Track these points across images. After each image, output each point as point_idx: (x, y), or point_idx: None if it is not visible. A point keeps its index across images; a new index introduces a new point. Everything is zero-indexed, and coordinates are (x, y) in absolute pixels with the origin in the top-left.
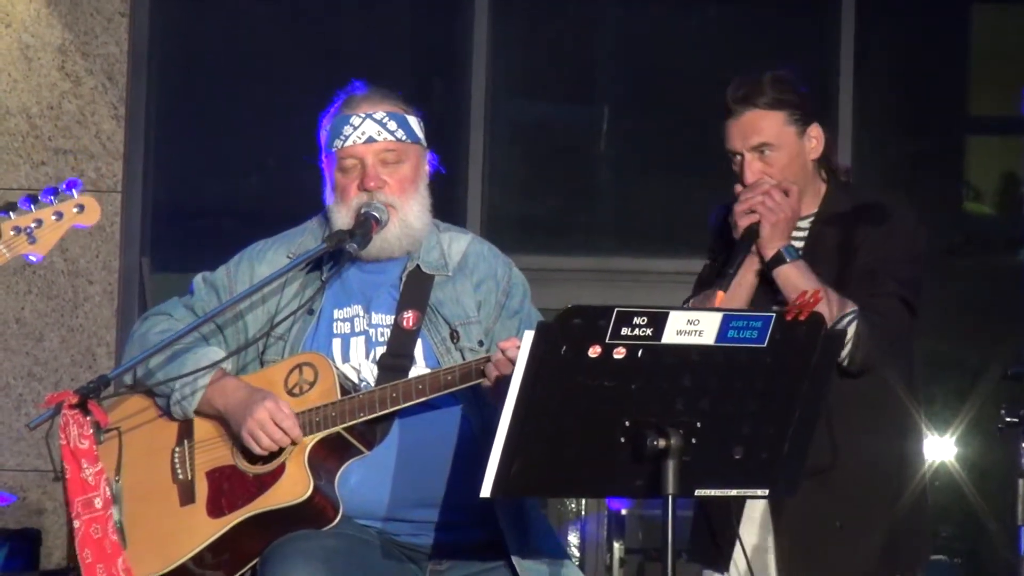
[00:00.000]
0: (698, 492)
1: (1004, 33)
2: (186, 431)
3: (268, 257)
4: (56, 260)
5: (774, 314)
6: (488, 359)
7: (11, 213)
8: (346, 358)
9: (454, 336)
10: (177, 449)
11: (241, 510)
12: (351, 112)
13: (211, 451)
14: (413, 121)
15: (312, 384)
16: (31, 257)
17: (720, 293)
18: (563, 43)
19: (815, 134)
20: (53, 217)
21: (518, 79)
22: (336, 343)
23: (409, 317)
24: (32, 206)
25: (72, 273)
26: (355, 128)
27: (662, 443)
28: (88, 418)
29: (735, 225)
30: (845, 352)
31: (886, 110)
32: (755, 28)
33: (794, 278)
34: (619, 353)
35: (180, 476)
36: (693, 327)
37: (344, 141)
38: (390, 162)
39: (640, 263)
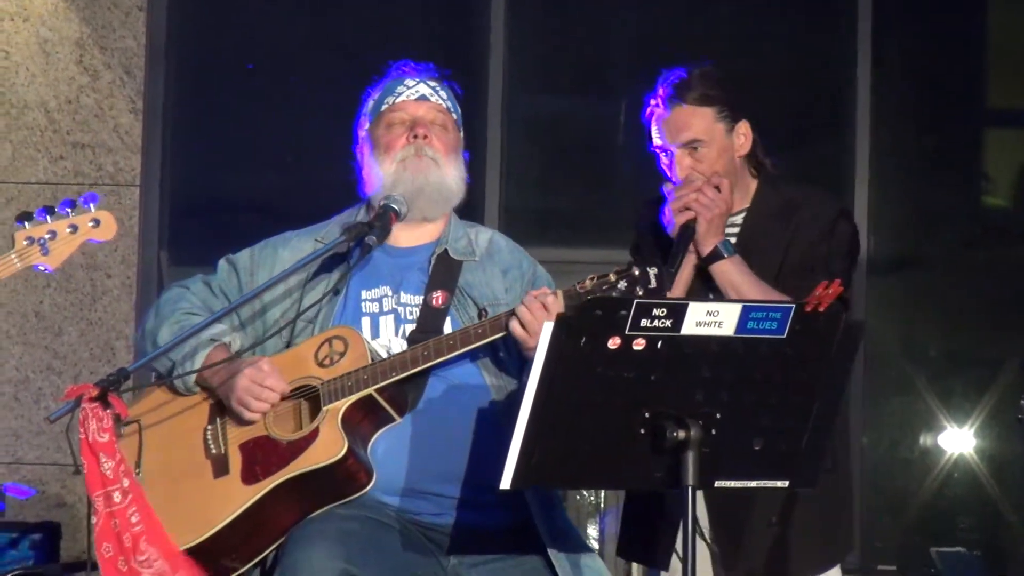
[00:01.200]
0: (718, 483)
1: (1020, 26)
2: (217, 409)
3: (293, 243)
4: (74, 254)
5: (794, 305)
6: (514, 311)
7: (26, 223)
8: (375, 335)
9: (482, 315)
10: (209, 427)
11: (276, 475)
12: (405, 76)
13: (241, 424)
14: (457, 105)
15: (343, 354)
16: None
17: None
18: (579, 37)
19: (743, 131)
20: (68, 230)
21: (534, 74)
22: (365, 321)
23: (438, 296)
24: (48, 217)
25: (91, 267)
26: (408, 88)
27: (681, 434)
28: (108, 411)
29: (669, 223)
30: None
31: (903, 104)
32: (771, 19)
33: (732, 274)
34: (639, 344)
35: (213, 451)
36: (713, 318)
37: (396, 97)
38: (438, 124)
39: None
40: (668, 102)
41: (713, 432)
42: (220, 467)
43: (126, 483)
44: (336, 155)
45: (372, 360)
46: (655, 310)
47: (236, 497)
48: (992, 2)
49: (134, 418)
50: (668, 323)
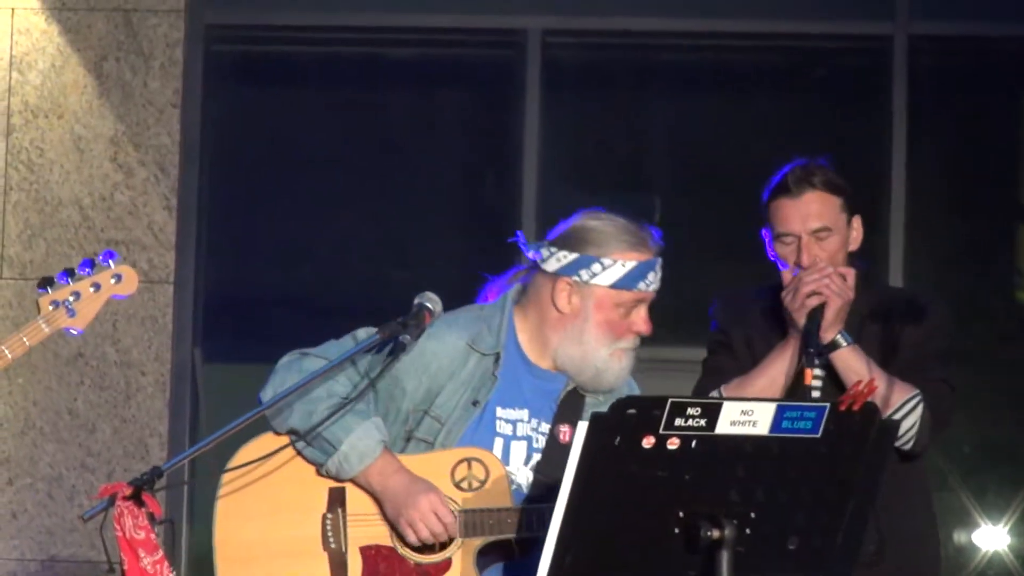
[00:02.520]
0: None
1: None
2: (338, 498)
3: (444, 337)
4: (108, 351)
5: (828, 405)
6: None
7: (49, 288)
8: (505, 459)
9: None
10: (329, 516)
11: None
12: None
13: (366, 526)
14: None
15: (483, 482)
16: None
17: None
18: (613, 133)
19: (857, 225)
20: (91, 289)
21: (568, 169)
22: (498, 443)
23: (565, 431)
24: (69, 279)
25: (125, 364)
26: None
27: (716, 533)
28: (142, 509)
29: (792, 307)
30: (912, 435)
31: (938, 196)
32: (806, 112)
33: (853, 362)
34: (672, 444)
35: (332, 545)
36: (747, 417)
37: (648, 286)
38: None
39: (694, 353)
40: (798, 186)
41: (748, 531)
42: (338, 566)
43: None
44: (369, 251)
45: (512, 499)
46: (689, 409)
47: None
48: None
49: (250, 460)
50: (702, 422)
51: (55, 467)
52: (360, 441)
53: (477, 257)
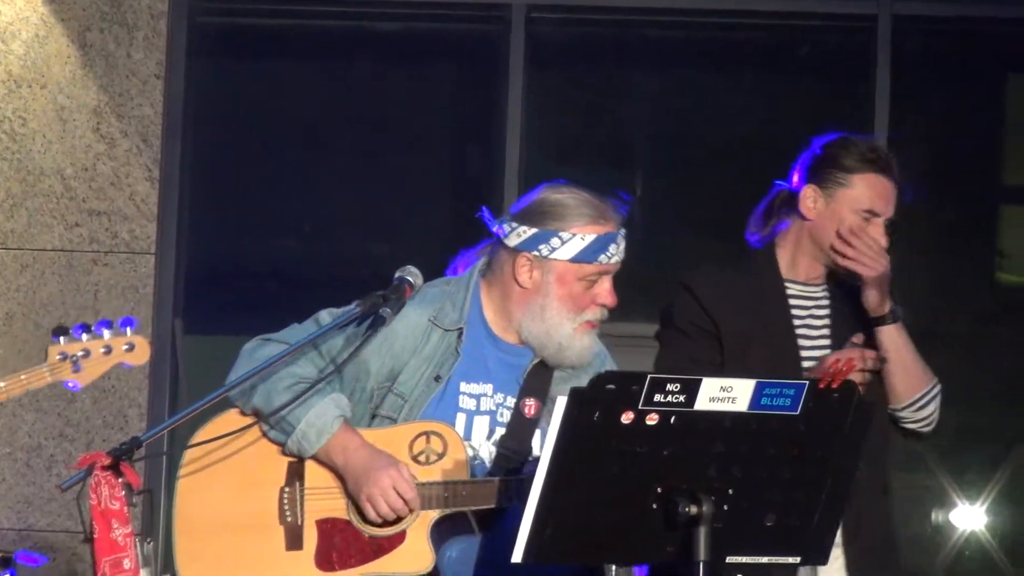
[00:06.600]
0: (730, 559)
1: None
2: (296, 472)
3: (407, 315)
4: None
5: (808, 382)
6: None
7: (62, 338)
8: (467, 436)
9: None
10: (287, 489)
11: (354, 569)
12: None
13: (323, 500)
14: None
15: (440, 456)
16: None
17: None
18: (597, 108)
19: None
20: (102, 350)
21: (552, 143)
22: (460, 418)
23: (531, 405)
24: (84, 335)
25: None
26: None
27: (694, 509)
28: (120, 480)
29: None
30: (934, 419)
31: (919, 178)
32: (790, 94)
33: (900, 338)
34: (652, 419)
35: (289, 518)
36: (726, 394)
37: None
38: None
39: None
40: (892, 173)
41: (725, 507)
42: (293, 539)
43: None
44: (352, 224)
45: (471, 471)
46: (668, 385)
47: None
48: (1011, 78)
49: (209, 438)
50: (681, 398)
51: (34, 436)
52: (318, 418)
53: (461, 231)
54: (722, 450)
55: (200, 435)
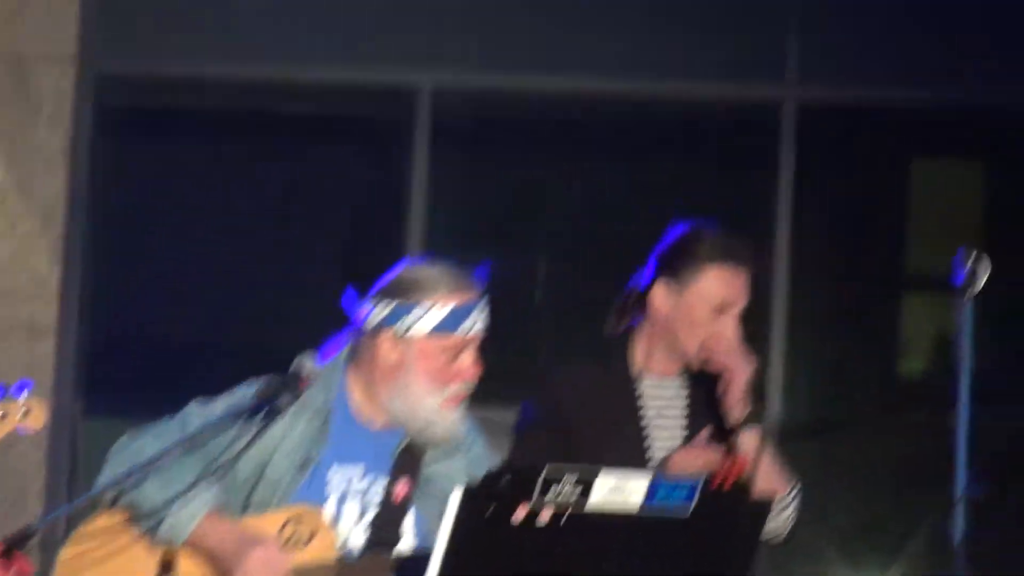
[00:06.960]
0: None
1: (943, 190)
2: (168, 564)
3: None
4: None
5: (701, 480)
6: None
7: None
8: (338, 518)
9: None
10: None
11: None
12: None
13: None
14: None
15: (307, 541)
16: None
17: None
18: (501, 191)
19: None
20: None
21: (455, 227)
22: (331, 501)
23: (403, 485)
24: None
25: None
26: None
27: None
28: (12, 569)
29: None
30: (790, 527)
31: (822, 263)
32: (694, 177)
33: (759, 443)
34: (543, 518)
35: None
36: (620, 491)
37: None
38: None
39: None
40: (745, 261)
41: None
42: None
43: None
44: (256, 304)
45: (341, 556)
46: (566, 475)
47: None
48: (916, 165)
49: (82, 549)
50: (576, 492)
51: None
52: (185, 508)
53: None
54: (615, 550)
55: (72, 540)
